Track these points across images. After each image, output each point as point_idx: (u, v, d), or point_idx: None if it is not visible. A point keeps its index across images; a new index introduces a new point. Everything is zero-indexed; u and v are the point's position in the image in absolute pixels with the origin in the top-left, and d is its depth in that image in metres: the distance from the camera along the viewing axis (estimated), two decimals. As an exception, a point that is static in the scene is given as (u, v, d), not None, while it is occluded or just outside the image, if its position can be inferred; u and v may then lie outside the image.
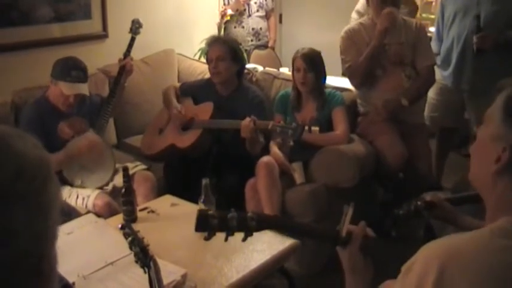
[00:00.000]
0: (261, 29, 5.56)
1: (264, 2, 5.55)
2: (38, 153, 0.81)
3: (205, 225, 1.38)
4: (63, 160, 3.23)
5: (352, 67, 3.79)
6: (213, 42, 3.78)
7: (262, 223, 1.45)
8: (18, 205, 0.76)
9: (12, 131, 0.82)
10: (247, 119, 3.26)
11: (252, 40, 5.49)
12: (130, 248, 1.96)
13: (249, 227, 1.42)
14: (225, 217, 1.40)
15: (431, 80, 3.88)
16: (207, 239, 1.40)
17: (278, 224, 1.62)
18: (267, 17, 5.63)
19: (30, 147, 0.81)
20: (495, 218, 1.19)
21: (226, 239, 1.42)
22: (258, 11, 5.53)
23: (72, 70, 3.26)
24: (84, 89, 3.31)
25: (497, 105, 1.23)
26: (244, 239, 1.44)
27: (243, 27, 5.49)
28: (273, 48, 5.68)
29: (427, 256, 1.16)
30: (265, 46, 5.59)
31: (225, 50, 3.63)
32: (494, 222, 1.18)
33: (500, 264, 1.10)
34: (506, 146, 1.18)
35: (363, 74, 3.75)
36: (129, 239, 1.98)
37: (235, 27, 5.49)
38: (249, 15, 5.50)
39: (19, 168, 0.77)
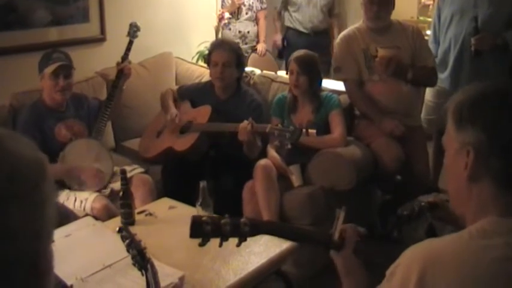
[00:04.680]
0: (248, 32, 5.53)
1: (253, 4, 5.52)
2: (31, 153, 0.83)
3: (199, 232, 1.39)
4: (60, 174, 3.24)
5: (349, 89, 3.84)
6: (219, 46, 3.77)
7: (256, 228, 1.47)
8: (13, 204, 0.78)
9: (4, 132, 0.83)
10: (245, 122, 3.26)
11: (238, 43, 5.45)
12: (128, 251, 1.96)
13: (243, 232, 1.44)
14: (219, 223, 1.41)
15: (433, 79, 3.90)
16: (201, 245, 1.41)
17: (271, 229, 1.63)
18: (256, 18, 5.58)
19: (23, 147, 0.83)
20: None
21: (220, 245, 1.43)
22: (247, 13, 5.50)
23: (52, 54, 3.33)
24: (68, 64, 3.33)
25: (449, 125, 1.27)
26: (238, 245, 1.45)
27: (229, 29, 5.47)
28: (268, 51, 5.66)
29: (408, 260, 1.18)
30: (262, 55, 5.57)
31: (232, 56, 3.64)
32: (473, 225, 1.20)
33: (480, 263, 1.11)
34: (469, 147, 1.20)
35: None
36: (127, 242, 1.99)
37: (222, 29, 5.48)
38: (238, 18, 5.49)
39: (13, 168, 0.79)
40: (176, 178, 3.53)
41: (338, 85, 4.00)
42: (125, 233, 2.04)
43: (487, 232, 1.15)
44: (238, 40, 5.43)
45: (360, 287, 1.50)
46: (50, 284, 0.86)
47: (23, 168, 0.80)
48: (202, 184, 2.67)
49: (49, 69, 3.28)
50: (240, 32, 5.50)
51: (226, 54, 3.64)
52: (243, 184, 3.40)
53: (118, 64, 3.65)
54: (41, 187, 0.82)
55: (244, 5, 5.47)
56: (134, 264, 1.93)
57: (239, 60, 3.70)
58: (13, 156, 0.80)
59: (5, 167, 0.78)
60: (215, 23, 5.40)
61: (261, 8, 5.59)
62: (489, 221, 1.17)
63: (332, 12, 5.65)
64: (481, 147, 1.18)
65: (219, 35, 5.40)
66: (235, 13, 5.45)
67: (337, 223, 1.55)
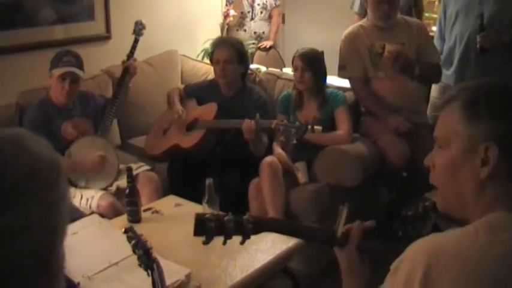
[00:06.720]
0: (263, 33, 5.51)
1: (267, 2, 5.49)
2: (49, 154, 0.88)
3: (203, 230, 1.40)
4: (65, 170, 3.23)
5: (355, 86, 3.82)
6: (220, 43, 3.79)
7: (259, 226, 1.46)
8: (31, 201, 0.81)
9: (27, 133, 0.88)
10: (248, 121, 3.27)
11: (254, 43, 5.43)
12: (134, 251, 1.97)
13: (246, 230, 1.43)
14: (222, 220, 1.41)
15: (438, 76, 3.88)
16: (205, 243, 1.41)
17: (274, 226, 1.63)
18: (269, 16, 5.55)
19: (43, 148, 0.87)
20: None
21: (224, 243, 1.43)
22: (261, 12, 5.47)
23: (63, 57, 3.34)
24: (76, 71, 3.34)
25: (454, 118, 1.21)
26: (242, 242, 1.45)
27: (245, 30, 5.46)
28: (274, 48, 5.64)
29: (414, 254, 1.17)
30: (266, 50, 5.55)
31: (233, 53, 3.65)
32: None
33: (484, 259, 1.10)
34: (488, 142, 1.15)
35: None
36: (133, 242, 1.99)
37: (237, 30, 5.46)
38: (252, 19, 5.47)
39: (33, 167, 0.83)
40: (182, 176, 3.54)
41: (344, 82, 3.99)
42: (131, 233, 2.04)
43: (492, 227, 1.13)
44: (254, 41, 5.43)
45: (360, 284, 1.50)
46: (60, 284, 0.87)
47: (41, 167, 0.84)
48: (209, 181, 2.67)
49: (57, 72, 3.29)
50: (255, 33, 5.49)
51: (227, 51, 3.65)
52: (249, 181, 3.41)
53: (123, 62, 3.66)
54: (57, 186, 0.86)
55: (259, 4, 5.45)
56: (140, 265, 1.93)
57: (241, 56, 3.70)
58: (33, 155, 0.84)
59: (25, 165, 0.82)
60: (220, 20, 5.39)
61: (275, 4, 5.55)
62: (495, 216, 1.16)
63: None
64: (505, 141, 1.14)
65: (225, 33, 5.38)
66: (250, 13, 5.44)
67: (340, 220, 1.55)
